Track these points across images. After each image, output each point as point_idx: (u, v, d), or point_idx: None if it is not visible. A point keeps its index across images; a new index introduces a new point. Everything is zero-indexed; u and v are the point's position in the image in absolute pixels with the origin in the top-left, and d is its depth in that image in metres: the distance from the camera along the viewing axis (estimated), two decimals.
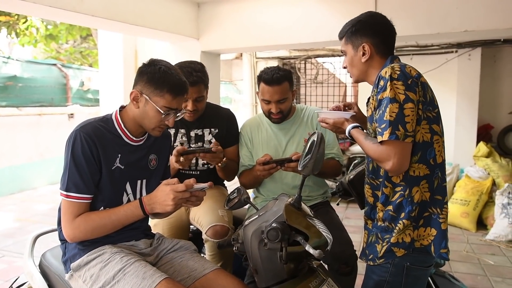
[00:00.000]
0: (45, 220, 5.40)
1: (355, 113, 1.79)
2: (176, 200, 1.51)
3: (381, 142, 1.44)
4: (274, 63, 6.83)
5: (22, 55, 10.54)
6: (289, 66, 7.15)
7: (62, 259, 1.71)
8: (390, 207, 1.53)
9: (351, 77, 1.75)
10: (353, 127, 1.63)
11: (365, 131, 1.65)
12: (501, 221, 4.44)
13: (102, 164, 1.58)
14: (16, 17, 7.91)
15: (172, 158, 2.08)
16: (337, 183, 2.21)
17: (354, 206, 5.29)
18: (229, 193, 1.82)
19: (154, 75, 1.58)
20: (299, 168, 1.23)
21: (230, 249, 1.81)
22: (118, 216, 1.58)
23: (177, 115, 1.67)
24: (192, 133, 2.38)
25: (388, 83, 1.44)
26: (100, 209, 1.62)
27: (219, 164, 2.24)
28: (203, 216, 2.20)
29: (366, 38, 1.61)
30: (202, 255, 2.35)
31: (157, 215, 1.83)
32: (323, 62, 7.17)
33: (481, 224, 4.81)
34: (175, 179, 1.57)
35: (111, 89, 4.12)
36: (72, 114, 7.85)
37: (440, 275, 2.25)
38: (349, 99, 7.83)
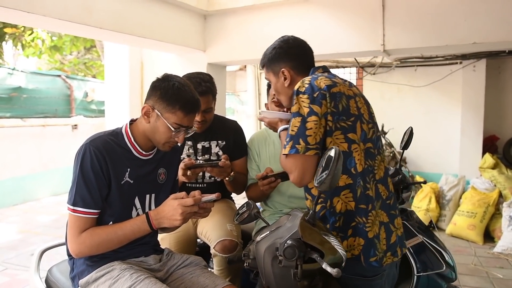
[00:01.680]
0: (48, 232, 5.38)
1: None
2: (185, 215, 1.50)
3: (286, 156, 1.46)
4: None
5: (27, 66, 10.60)
6: None
7: (70, 275, 1.68)
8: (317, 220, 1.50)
9: (283, 104, 1.79)
10: (283, 129, 1.66)
11: None
12: (509, 233, 4.39)
13: (111, 178, 1.57)
14: (22, 28, 7.98)
15: (179, 172, 2.06)
16: None
17: None
18: (237, 206, 1.80)
19: (167, 91, 1.57)
20: (316, 184, 1.22)
21: (238, 264, 1.79)
22: (124, 231, 1.56)
23: (188, 132, 1.67)
24: (199, 145, 2.36)
25: (295, 97, 1.47)
26: (109, 223, 1.60)
27: (227, 178, 2.22)
28: (212, 231, 2.17)
29: (284, 63, 1.66)
30: (210, 270, 2.33)
31: (164, 230, 1.82)
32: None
33: (488, 236, 4.77)
34: (183, 193, 1.55)
35: (116, 101, 4.12)
36: (75, 125, 7.86)
37: None
38: None
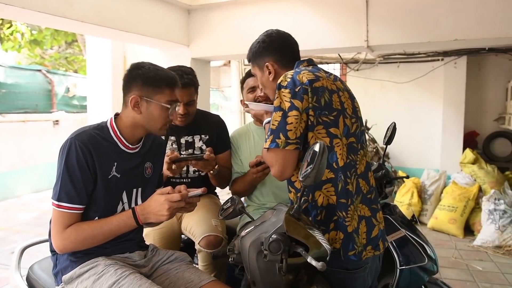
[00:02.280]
0: (29, 230, 5.29)
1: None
2: (171, 210, 1.49)
3: (267, 149, 1.48)
4: None
5: (6, 60, 10.35)
6: None
7: (52, 271, 1.65)
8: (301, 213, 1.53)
9: (270, 98, 1.80)
10: (267, 122, 1.67)
11: None
12: (488, 227, 4.50)
13: (97, 173, 1.55)
14: (0, 21, 7.78)
15: (164, 166, 2.05)
16: None
17: None
18: (221, 202, 1.80)
19: (147, 76, 1.59)
20: (300, 178, 1.22)
21: (223, 259, 1.79)
22: (110, 227, 1.54)
23: (176, 108, 1.70)
24: (183, 140, 2.35)
25: (277, 91, 1.48)
26: (95, 219, 1.58)
27: (211, 172, 2.21)
28: (196, 226, 2.16)
29: (267, 57, 1.67)
30: (195, 265, 2.32)
31: (149, 224, 1.80)
32: None
33: (469, 230, 4.87)
34: (169, 188, 1.55)
35: (99, 96, 4.05)
36: (57, 120, 7.72)
37: (433, 282, 2.26)
38: None
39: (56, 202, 1.50)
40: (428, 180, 5.46)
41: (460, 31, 2.83)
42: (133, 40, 3.55)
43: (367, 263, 1.54)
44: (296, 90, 1.45)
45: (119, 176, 1.62)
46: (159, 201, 1.50)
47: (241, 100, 2.48)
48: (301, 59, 1.72)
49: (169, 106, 1.61)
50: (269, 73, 1.67)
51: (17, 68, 7.77)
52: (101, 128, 1.62)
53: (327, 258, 1.34)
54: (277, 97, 1.47)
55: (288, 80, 1.48)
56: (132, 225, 1.55)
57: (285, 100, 1.45)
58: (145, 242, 1.87)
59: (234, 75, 7.26)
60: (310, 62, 1.69)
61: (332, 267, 1.45)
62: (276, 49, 1.67)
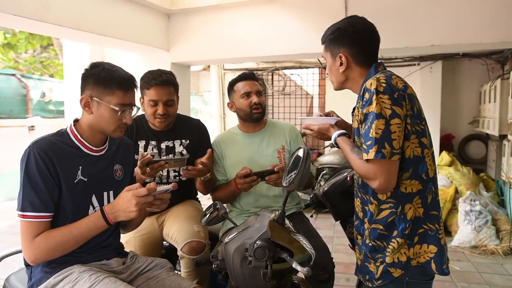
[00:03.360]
0: (3, 239, 5.12)
1: (339, 119, 1.74)
2: (140, 205, 1.46)
3: (367, 160, 1.37)
4: None
5: None
6: (257, 77, 7.18)
7: (27, 284, 1.60)
8: (379, 226, 1.47)
9: (333, 84, 1.67)
10: (340, 135, 1.57)
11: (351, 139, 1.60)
12: (465, 227, 4.58)
13: (61, 179, 1.51)
14: None
15: (138, 170, 2.02)
16: (311, 195, 2.21)
17: (323, 216, 5.33)
18: (203, 207, 1.78)
19: (99, 76, 1.54)
20: (284, 184, 1.22)
21: (206, 266, 1.77)
22: (80, 230, 1.50)
23: (133, 112, 1.63)
24: (163, 145, 2.33)
25: (374, 96, 1.36)
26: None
27: (202, 178, 2.20)
28: (178, 232, 2.14)
29: (344, 48, 1.54)
30: (177, 272, 2.29)
31: (126, 228, 1.78)
32: (291, 74, 7.24)
33: (446, 231, 4.95)
34: (137, 184, 1.52)
35: (76, 101, 3.97)
36: (32, 126, 7.53)
37: None
38: (316, 110, 7.94)
39: (21, 213, 1.46)
40: None
41: (437, 36, 2.89)
42: (112, 44, 3.50)
43: None
44: (395, 96, 1.36)
45: (86, 180, 1.58)
46: (127, 197, 1.46)
47: (228, 103, 2.46)
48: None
49: (117, 109, 1.55)
50: (341, 64, 1.55)
51: None
52: (61, 134, 1.60)
53: (311, 263, 1.35)
54: (376, 104, 1.35)
55: (384, 85, 1.37)
56: (103, 225, 1.51)
57: (385, 107, 1.35)
58: (125, 249, 1.84)
59: (213, 79, 7.24)
60: (384, 66, 1.58)
61: (413, 278, 1.45)
62: (356, 42, 1.53)
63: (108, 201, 1.67)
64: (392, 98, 1.35)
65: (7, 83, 7.52)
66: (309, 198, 2.19)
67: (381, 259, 1.46)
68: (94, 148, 1.64)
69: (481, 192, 4.86)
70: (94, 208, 1.62)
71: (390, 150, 1.34)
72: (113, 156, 1.72)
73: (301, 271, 1.14)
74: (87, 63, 3.81)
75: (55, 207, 1.51)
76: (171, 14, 3.72)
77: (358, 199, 1.59)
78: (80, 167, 1.57)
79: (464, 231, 4.56)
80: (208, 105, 10.30)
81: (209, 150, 2.18)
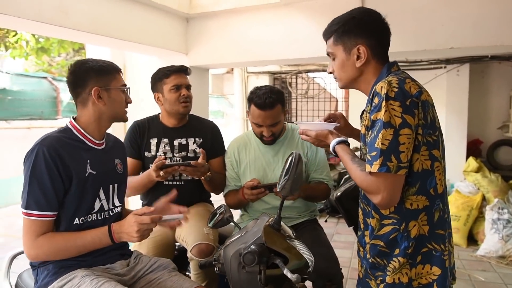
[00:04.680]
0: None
1: (339, 124, 1.65)
2: (141, 232, 1.48)
3: (370, 173, 1.26)
4: (265, 78, 6.85)
5: (13, 68, 10.48)
6: (280, 80, 7.17)
7: (34, 287, 1.64)
8: (380, 242, 1.37)
9: (337, 81, 1.54)
10: (338, 142, 1.46)
11: (357, 147, 1.54)
12: (492, 236, 4.43)
13: (72, 174, 1.54)
14: (6, 30, 7.88)
15: (152, 172, 2.06)
16: (325, 200, 2.19)
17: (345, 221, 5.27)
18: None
19: (97, 67, 1.62)
20: (277, 189, 1.20)
21: (210, 268, 1.77)
22: (84, 242, 1.53)
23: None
24: (176, 142, 2.37)
25: (383, 103, 1.24)
26: (75, 220, 1.57)
27: (203, 178, 2.21)
28: (188, 234, 2.16)
29: (361, 39, 1.39)
30: (187, 273, 2.31)
31: None
32: (314, 77, 7.20)
33: (472, 239, 4.80)
34: (144, 209, 1.53)
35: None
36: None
37: None
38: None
39: (25, 211, 1.49)
40: None
41: (456, 39, 2.81)
42: (131, 48, 3.57)
43: None
44: (407, 103, 1.23)
45: (95, 173, 1.62)
46: (130, 222, 1.49)
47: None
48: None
49: (125, 89, 1.68)
50: (358, 58, 1.41)
51: (23, 75, 7.85)
52: (65, 131, 1.64)
53: (309, 269, 1.32)
54: (385, 111, 1.23)
55: (396, 90, 1.24)
56: (107, 242, 1.54)
57: (395, 115, 1.22)
58: (137, 249, 1.87)
59: (237, 82, 7.27)
60: (397, 65, 1.45)
61: None
62: (374, 32, 1.40)
63: (113, 194, 1.72)
64: (403, 106, 1.23)
65: (38, 85, 7.79)
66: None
67: (381, 278, 1.38)
68: (96, 141, 1.68)
69: (510, 200, 4.68)
70: (100, 200, 1.65)
71: (397, 163, 1.22)
72: (111, 151, 1.77)
73: (291, 278, 1.12)
74: None
75: (60, 205, 1.54)
76: (190, 18, 3.77)
77: (361, 209, 1.51)
78: (89, 161, 1.61)
79: (491, 240, 4.41)
80: (233, 108, 10.37)
81: (202, 151, 2.19)
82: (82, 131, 1.64)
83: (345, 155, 1.41)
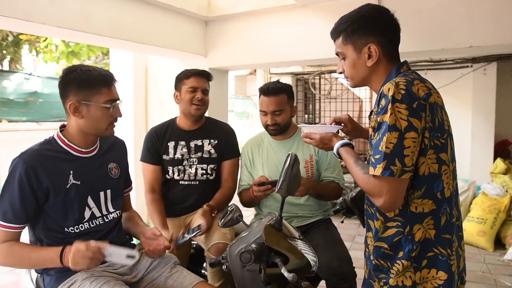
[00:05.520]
0: None
1: (341, 127, 1.65)
2: (87, 264, 1.44)
3: (373, 176, 1.25)
4: (288, 79, 6.84)
5: (45, 71, 10.86)
6: (303, 81, 7.15)
7: None
8: (384, 244, 1.36)
9: (348, 81, 1.51)
10: (342, 145, 1.46)
11: (367, 151, 1.53)
12: None
13: (50, 189, 1.54)
14: (36, 35, 8.21)
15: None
16: (341, 200, 2.19)
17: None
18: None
19: (80, 78, 1.55)
20: (276, 190, 1.22)
21: (219, 267, 1.80)
22: (36, 257, 1.52)
23: (119, 104, 1.65)
24: (192, 144, 2.44)
25: (390, 105, 1.22)
26: (70, 229, 1.60)
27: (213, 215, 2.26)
28: (206, 233, 2.20)
29: (372, 37, 1.36)
30: (202, 271, 2.35)
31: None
32: (337, 77, 7.14)
33: (500, 243, 4.65)
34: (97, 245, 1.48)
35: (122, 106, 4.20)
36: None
37: None
38: (367, 115, 7.73)
39: None
40: None
41: (475, 37, 2.74)
42: (152, 51, 3.67)
43: None
44: (414, 106, 1.21)
45: (79, 183, 1.61)
46: (82, 249, 1.44)
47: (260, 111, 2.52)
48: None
49: (108, 106, 1.58)
50: (369, 57, 1.38)
51: (53, 79, 8.12)
52: (49, 142, 1.62)
53: (313, 269, 1.33)
54: (390, 113, 1.21)
55: (403, 92, 1.22)
56: (57, 263, 1.50)
57: (401, 118, 1.21)
58: (133, 243, 1.89)
59: (259, 83, 7.30)
60: (408, 65, 1.42)
61: None
62: (385, 30, 1.37)
63: (105, 200, 1.71)
64: (410, 108, 1.21)
65: None
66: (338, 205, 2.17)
67: (385, 280, 1.36)
68: (83, 150, 1.66)
69: None
70: (90, 208, 1.65)
71: (401, 167, 1.20)
72: (106, 155, 1.75)
73: (287, 277, 1.14)
74: (130, 69, 4.05)
75: (30, 218, 1.55)
76: (209, 21, 3.83)
77: (366, 211, 1.49)
78: (71, 172, 1.60)
79: None
80: (257, 109, 10.41)
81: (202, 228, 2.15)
82: (67, 141, 1.62)
83: (349, 158, 1.40)
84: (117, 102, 1.64)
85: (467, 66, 5.62)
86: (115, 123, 1.67)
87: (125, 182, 1.89)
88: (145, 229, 1.79)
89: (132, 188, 1.99)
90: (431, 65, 5.86)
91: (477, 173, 5.48)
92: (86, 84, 1.55)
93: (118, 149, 1.83)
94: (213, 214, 2.23)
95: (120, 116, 1.66)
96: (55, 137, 1.63)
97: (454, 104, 5.83)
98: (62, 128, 1.68)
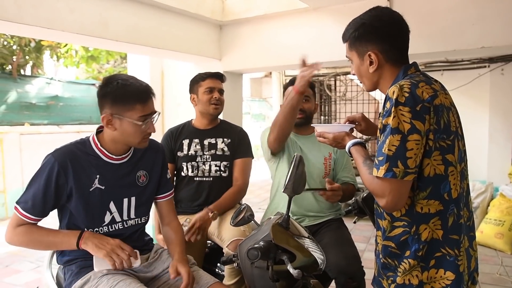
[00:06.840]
0: None
1: (354, 126, 1.66)
2: (110, 253, 1.55)
3: (377, 176, 1.28)
4: None
5: (66, 76, 11.15)
6: (318, 83, 7.16)
7: (63, 284, 1.73)
8: (391, 243, 1.38)
9: (365, 88, 1.54)
10: (354, 144, 1.48)
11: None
12: None
13: (73, 189, 1.58)
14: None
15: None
16: (353, 201, 2.22)
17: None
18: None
19: (116, 93, 1.56)
20: (282, 190, 1.26)
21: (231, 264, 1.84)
22: (53, 239, 1.59)
23: (154, 118, 1.64)
24: (206, 142, 2.53)
25: (393, 108, 1.23)
26: (89, 230, 1.64)
27: (211, 216, 2.30)
28: (225, 231, 2.25)
29: (372, 45, 1.38)
30: (217, 270, 2.39)
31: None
32: (352, 79, 7.12)
33: None
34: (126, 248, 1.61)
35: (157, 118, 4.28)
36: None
37: None
38: None
39: (15, 204, 1.58)
40: (474, 192, 5.20)
41: (487, 38, 2.73)
42: (168, 56, 3.75)
43: None
44: (418, 108, 1.23)
45: (103, 188, 1.64)
46: (110, 240, 1.57)
47: (281, 105, 2.56)
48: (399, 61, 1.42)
49: (141, 122, 1.58)
50: (370, 63, 1.40)
51: (73, 83, 8.37)
52: (83, 143, 1.66)
53: (321, 267, 1.37)
54: (394, 116, 1.23)
55: (407, 95, 1.24)
56: (72, 244, 1.57)
57: (404, 121, 1.22)
58: (152, 242, 1.91)
59: (275, 85, 7.36)
60: (416, 67, 1.42)
61: None
62: (385, 37, 1.38)
63: (128, 208, 1.73)
64: (413, 111, 1.22)
65: (87, 92, 8.28)
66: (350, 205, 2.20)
67: (392, 278, 1.38)
68: (114, 156, 1.68)
69: None
70: (111, 213, 1.68)
71: (403, 169, 1.22)
72: (137, 163, 1.76)
73: (292, 273, 1.18)
74: (147, 73, 4.14)
75: (45, 214, 1.60)
76: (223, 25, 3.89)
77: (375, 210, 1.52)
78: (98, 176, 1.63)
79: None
80: (272, 110, 10.45)
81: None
82: (100, 145, 1.65)
83: (359, 157, 1.42)
84: (153, 116, 1.63)
85: (484, 66, 5.56)
86: (148, 137, 1.67)
87: (162, 188, 1.87)
88: (174, 261, 1.74)
89: (173, 193, 1.96)
90: (447, 66, 5.81)
91: (495, 175, 5.40)
92: (121, 99, 1.56)
93: (151, 156, 1.81)
94: (210, 214, 2.27)
95: (153, 131, 1.65)
96: (90, 139, 1.66)
97: (471, 105, 5.77)
98: (100, 129, 1.70)
